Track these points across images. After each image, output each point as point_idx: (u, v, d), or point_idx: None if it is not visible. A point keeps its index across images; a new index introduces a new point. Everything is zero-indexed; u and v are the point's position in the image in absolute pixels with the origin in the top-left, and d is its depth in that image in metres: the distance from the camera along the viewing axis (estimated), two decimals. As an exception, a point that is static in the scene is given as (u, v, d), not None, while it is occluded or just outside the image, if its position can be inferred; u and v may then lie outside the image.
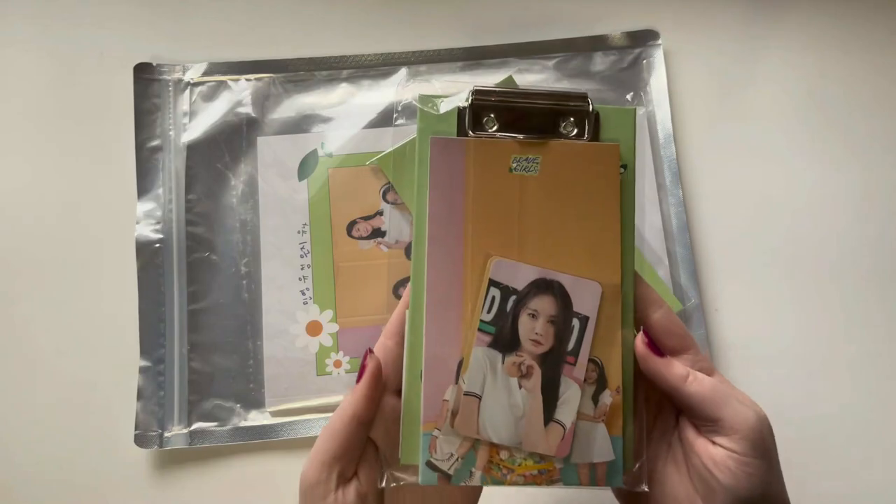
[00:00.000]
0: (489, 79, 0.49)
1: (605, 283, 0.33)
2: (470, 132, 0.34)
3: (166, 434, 0.44)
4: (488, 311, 0.33)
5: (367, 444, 0.32)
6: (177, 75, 0.49)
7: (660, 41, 0.50)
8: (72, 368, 0.46)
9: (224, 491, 0.44)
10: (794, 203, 0.49)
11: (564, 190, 0.34)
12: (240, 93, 0.49)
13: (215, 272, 0.47)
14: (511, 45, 0.50)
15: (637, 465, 0.32)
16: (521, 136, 0.34)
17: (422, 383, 0.32)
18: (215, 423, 0.45)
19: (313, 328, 0.46)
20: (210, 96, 0.49)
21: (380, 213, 0.47)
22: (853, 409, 0.46)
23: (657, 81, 0.50)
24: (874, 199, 0.49)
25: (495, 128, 0.34)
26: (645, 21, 0.51)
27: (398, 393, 0.32)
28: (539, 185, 0.34)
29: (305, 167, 0.48)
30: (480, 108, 0.34)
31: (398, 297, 0.46)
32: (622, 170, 0.34)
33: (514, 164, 0.34)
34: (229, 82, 0.49)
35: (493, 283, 0.33)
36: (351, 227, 0.47)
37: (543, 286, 0.33)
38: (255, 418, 0.45)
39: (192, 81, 0.49)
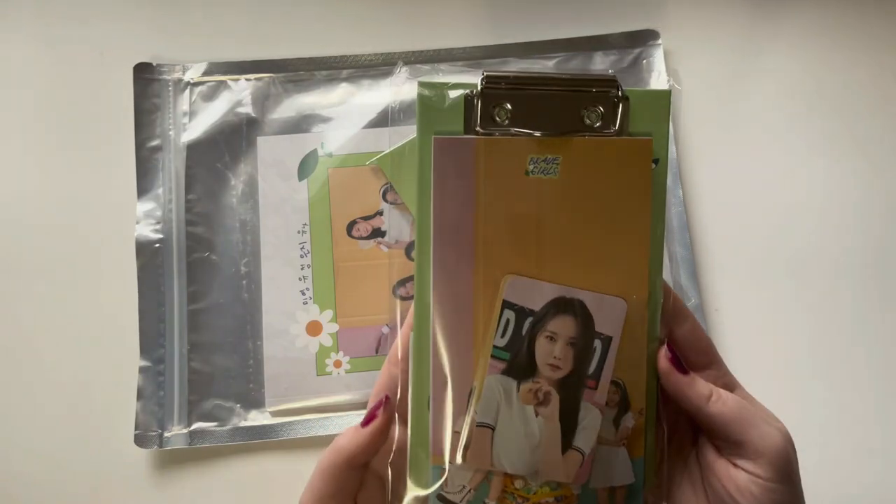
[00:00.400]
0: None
1: (631, 299, 0.30)
2: (479, 128, 0.29)
3: (166, 434, 0.44)
4: (502, 336, 0.30)
5: (368, 475, 0.31)
6: (177, 75, 0.49)
7: (660, 41, 0.50)
8: (72, 368, 0.46)
9: (224, 491, 0.44)
10: (794, 202, 0.49)
11: (588, 194, 0.29)
12: (240, 93, 0.49)
13: (215, 272, 0.47)
14: (511, 45, 0.50)
15: (657, 485, 0.31)
16: (538, 133, 0.29)
17: (429, 413, 0.29)
18: (215, 423, 0.45)
19: (313, 328, 0.46)
20: (210, 96, 0.49)
21: (380, 213, 0.47)
22: (854, 410, 0.46)
23: (657, 81, 0.50)
24: (876, 198, 0.49)
25: (508, 121, 0.29)
26: (645, 21, 0.51)
27: (405, 422, 0.30)
28: (559, 190, 0.29)
29: (305, 167, 0.48)
30: (492, 98, 0.29)
31: (398, 297, 0.46)
32: (653, 165, 0.30)
33: (532, 167, 0.29)
34: (229, 82, 0.49)
35: (507, 304, 0.30)
36: (351, 227, 0.47)
37: (563, 306, 0.30)
38: (255, 418, 0.45)
39: (192, 81, 0.49)
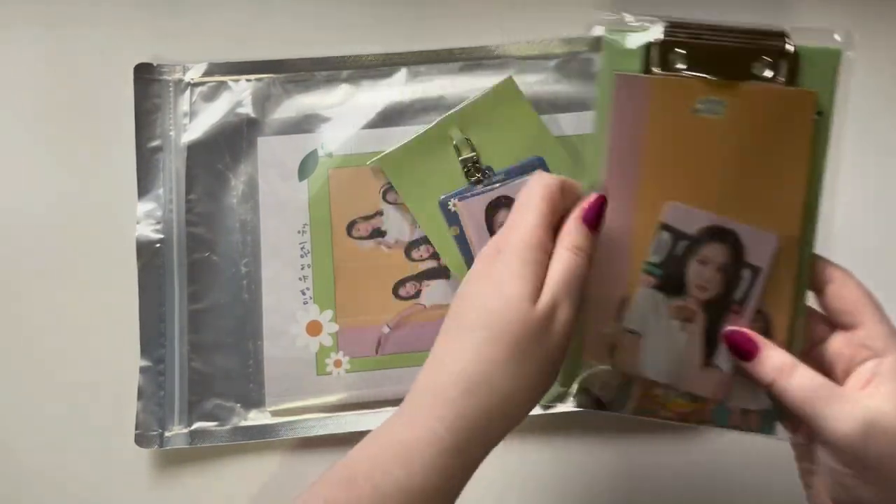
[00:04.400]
0: (489, 80, 0.49)
1: (782, 236, 0.32)
2: (656, 69, 0.32)
3: (166, 434, 0.45)
4: (656, 253, 0.33)
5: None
6: (177, 76, 0.49)
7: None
8: (72, 368, 0.46)
9: (224, 491, 0.44)
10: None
11: (750, 136, 0.32)
12: (240, 93, 0.49)
13: (215, 272, 0.47)
14: (511, 46, 0.50)
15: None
16: (708, 77, 0.32)
17: (585, 313, 0.32)
18: (215, 423, 0.45)
19: (313, 328, 0.46)
20: (210, 97, 0.49)
21: (380, 213, 0.47)
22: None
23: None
24: (880, 198, 0.49)
25: (683, 66, 0.32)
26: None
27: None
28: (723, 129, 0.32)
29: (305, 167, 0.48)
30: (670, 44, 0.32)
31: (398, 297, 0.46)
32: (816, 117, 0.31)
33: (700, 106, 0.32)
34: (229, 83, 0.49)
35: (664, 226, 0.33)
36: (351, 227, 0.47)
37: (717, 234, 0.32)
38: (256, 418, 0.45)
39: (192, 82, 0.49)
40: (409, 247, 0.47)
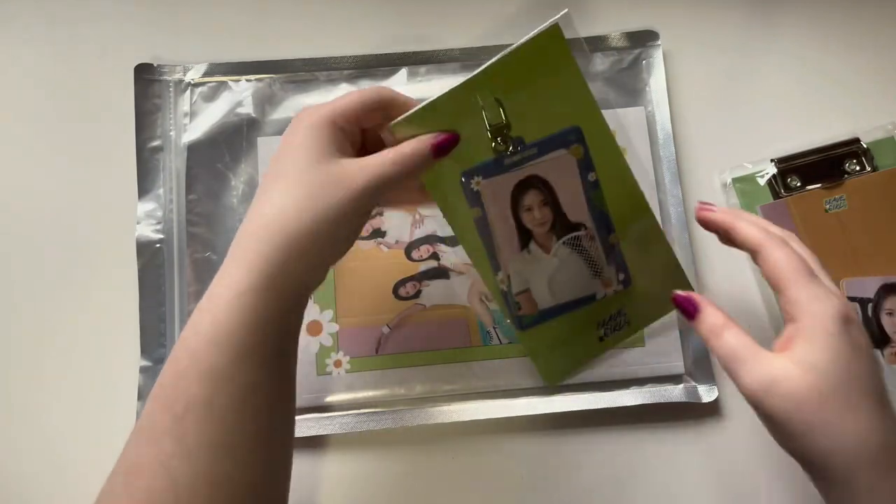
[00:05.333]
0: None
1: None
2: (782, 192, 0.46)
3: (167, 434, 0.45)
4: None
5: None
6: (177, 76, 0.49)
7: (659, 41, 0.50)
8: (72, 368, 0.46)
9: (224, 490, 0.44)
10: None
11: (873, 213, 0.45)
12: (240, 93, 0.49)
13: (215, 272, 0.46)
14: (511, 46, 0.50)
15: None
16: (820, 185, 0.46)
17: None
18: (216, 423, 0.45)
19: (313, 328, 0.46)
20: (210, 97, 0.49)
21: (380, 213, 0.47)
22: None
23: (657, 82, 0.50)
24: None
25: (800, 183, 0.46)
26: (645, 21, 0.51)
27: None
28: (853, 216, 0.45)
29: (305, 167, 0.48)
30: (785, 173, 0.46)
31: (398, 297, 0.46)
32: None
33: (828, 206, 0.45)
34: (230, 83, 0.49)
35: (850, 298, 0.43)
36: (351, 227, 0.47)
37: (892, 289, 0.44)
38: (256, 418, 0.45)
39: (192, 82, 0.49)
40: (409, 247, 0.47)
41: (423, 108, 0.34)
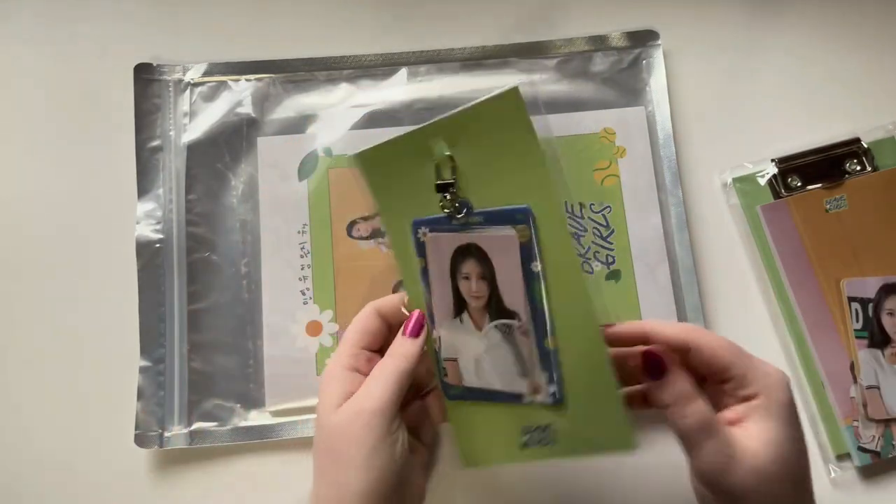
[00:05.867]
0: (489, 80, 0.49)
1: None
2: (783, 192, 0.46)
3: (166, 434, 0.45)
4: (856, 322, 0.43)
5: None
6: (177, 75, 0.49)
7: (659, 41, 0.50)
8: (72, 368, 0.46)
9: (224, 491, 0.44)
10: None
11: (873, 213, 0.45)
12: (240, 93, 0.49)
13: (215, 272, 0.47)
14: (511, 46, 0.50)
15: None
16: (821, 185, 0.46)
17: (826, 389, 0.43)
18: (215, 423, 0.45)
19: (313, 328, 0.46)
20: (210, 97, 0.49)
21: (380, 213, 0.47)
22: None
23: (657, 82, 0.50)
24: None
25: (800, 183, 0.46)
26: (645, 21, 0.51)
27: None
28: (853, 216, 0.45)
29: (305, 167, 0.48)
30: (785, 173, 0.46)
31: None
32: None
33: (828, 206, 0.45)
34: (229, 82, 0.49)
35: (850, 298, 0.43)
36: (351, 227, 0.47)
37: (892, 289, 0.44)
38: (256, 418, 0.45)
39: (192, 82, 0.49)
40: (409, 247, 0.47)
41: (386, 142, 0.35)
